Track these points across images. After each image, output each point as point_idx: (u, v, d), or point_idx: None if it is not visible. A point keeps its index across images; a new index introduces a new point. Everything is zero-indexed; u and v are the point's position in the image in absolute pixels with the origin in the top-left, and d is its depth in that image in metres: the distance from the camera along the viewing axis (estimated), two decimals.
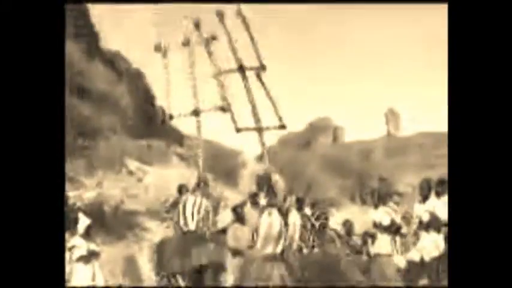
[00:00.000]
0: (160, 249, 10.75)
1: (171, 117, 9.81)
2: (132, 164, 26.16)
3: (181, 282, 9.84)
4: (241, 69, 9.17)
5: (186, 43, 9.27)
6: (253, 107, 9.26)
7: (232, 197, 21.87)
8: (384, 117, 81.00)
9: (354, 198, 44.34)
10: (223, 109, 9.38)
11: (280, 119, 9.38)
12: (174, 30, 9.43)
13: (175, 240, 9.73)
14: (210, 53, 9.31)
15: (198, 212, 9.43)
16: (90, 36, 31.84)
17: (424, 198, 10.92)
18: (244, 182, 32.84)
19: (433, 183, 11.10)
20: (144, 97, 36.16)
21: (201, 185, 9.81)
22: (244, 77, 9.19)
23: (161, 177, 24.96)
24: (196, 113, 9.45)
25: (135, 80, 35.29)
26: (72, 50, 25.26)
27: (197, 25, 9.38)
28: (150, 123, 34.75)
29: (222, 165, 30.68)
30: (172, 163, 31.67)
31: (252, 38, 8.96)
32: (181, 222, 9.53)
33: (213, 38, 9.32)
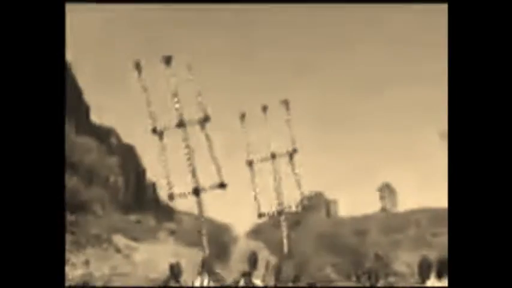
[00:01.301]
0: None
1: (171, 196, 9.81)
2: (121, 241, 26.01)
3: None
4: (274, 156, 9.93)
5: (181, 124, 9.47)
6: (278, 190, 9.78)
7: (223, 274, 21.70)
8: (379, 192, 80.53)
9: (350, 277, 43.94)
10: (222, 186, 9.51)
11: (302, 200, 9.95)
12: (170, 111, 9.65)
13: None
14: (207, 136, 9.55)
15: None
16: (79, 110, 32.25)
17: (424, 278, 10.79)
18: (235, 259, 32.65)
19: (434, 262, 11.03)
20: (135, 171, 36.33)
21: (206, 266, 9.74)
22: (274, 163, 9.91)
23: (151, 254, 24.88)
24: (196, 192, 9.51)
25: (126, 154, 35.52)
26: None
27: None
28: (140, 198, 34.76)
29: (213, 241, 30.56)
30: (161, 239, 31.53)
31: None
32: None
33: (206, 119, 9.54)
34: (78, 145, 27.64)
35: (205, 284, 9.30)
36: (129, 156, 36.12)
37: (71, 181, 24.59)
